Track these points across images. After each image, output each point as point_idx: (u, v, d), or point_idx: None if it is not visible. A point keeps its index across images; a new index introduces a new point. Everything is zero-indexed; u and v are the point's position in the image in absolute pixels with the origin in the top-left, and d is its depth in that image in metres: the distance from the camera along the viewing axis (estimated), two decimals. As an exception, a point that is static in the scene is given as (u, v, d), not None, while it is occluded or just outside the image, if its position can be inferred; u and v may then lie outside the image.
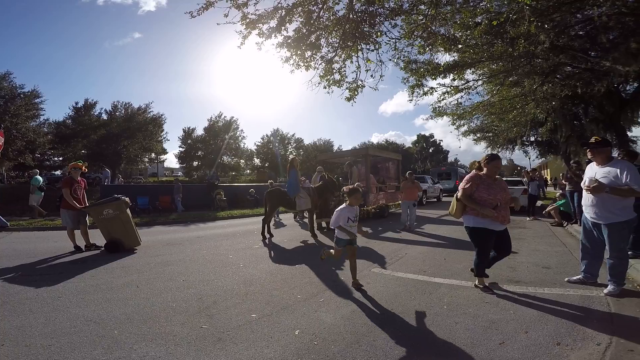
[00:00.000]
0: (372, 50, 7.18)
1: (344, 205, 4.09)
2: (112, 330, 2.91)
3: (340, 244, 4.05)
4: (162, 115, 37.01)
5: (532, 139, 20.80)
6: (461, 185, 3.91)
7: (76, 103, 33.98)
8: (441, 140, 68.35)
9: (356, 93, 7.71)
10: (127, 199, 6.71)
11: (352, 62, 7.39)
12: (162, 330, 2.90)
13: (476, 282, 3.95)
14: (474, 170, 3.98)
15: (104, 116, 34.51)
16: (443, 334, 2.78)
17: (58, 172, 33.92)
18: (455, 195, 4.08)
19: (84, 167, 6.91)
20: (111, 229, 6.40)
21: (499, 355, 2.42)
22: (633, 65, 6.73)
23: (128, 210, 6.75)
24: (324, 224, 8.94)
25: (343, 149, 54.39)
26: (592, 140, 3.71)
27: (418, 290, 3.94)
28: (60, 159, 34.57)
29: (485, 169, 3.84)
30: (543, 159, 26.64)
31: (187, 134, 42.00)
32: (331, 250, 4.30)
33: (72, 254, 6.25)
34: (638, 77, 9.04)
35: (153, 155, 40.45)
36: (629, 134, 12.83)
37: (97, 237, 6.77)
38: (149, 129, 34.96)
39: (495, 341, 2.63)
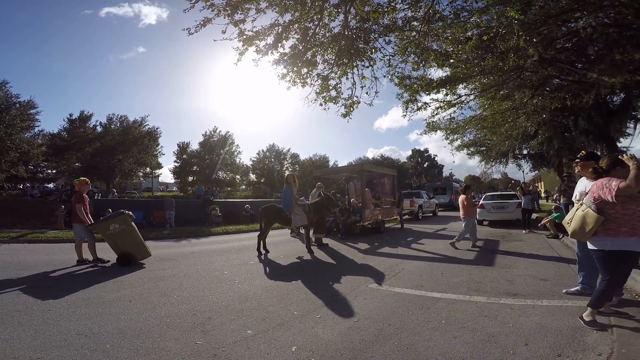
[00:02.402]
0: (367, 67, 7.31)
1: None
2: (103, 344, 2.83)
3: None
4: (157, 128, 37.01)
5: (525, 152, 21.06)
6: (608, 190, 2.89)
7: (70, 115, 33.88)
8: (435, 155, 69.01)
9: (352, 109, 7.80)
10: (130, 213, 6.76)
11: (347, 78, 7.52)
12: (156, 345, 2.83)
13: (585, 314, 3.15)
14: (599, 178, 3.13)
15: (99, 129, 34.41)
16: (442, 348, 2.74)
17: (51, 185, 33.57)
18: (584, 210, 3.09)
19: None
20: (120, 242, 6.45)
21: None
22: (618, 77, 6.86)
23: (133, 224, 6.77)
24: (324, 240, 8.90)
25: (339, 165, 54.84)
26: (579, 155, 3.75)
27: (416, 305, 3.89)
28: (54, 171, 34.26)
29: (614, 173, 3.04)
30: (536, 171, 26.91)
31: (182, 148, 42.01)
32: None
33: (73, 267, 6.20)
34: (624, 88, 9.22)
35: (148, 169, 40.24)
36: (618, 144, 13.02)
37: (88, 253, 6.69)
38: (144, 142, 34.85)
39: (495, 354, 2.59)
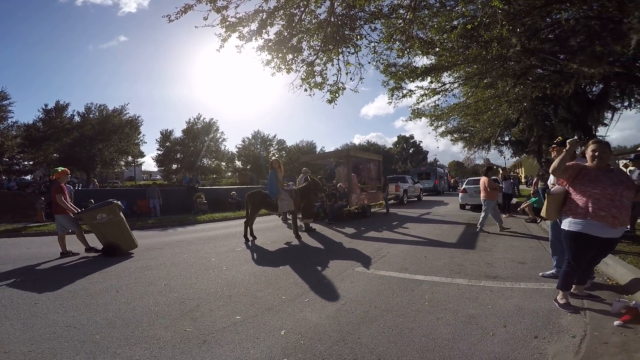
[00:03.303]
0: (353, 54, 7.28)
1: None
2: (93, 335, 2.84)
3: None
4: (138, 117, 36.11)
5: (507, 138, 21.58)
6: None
7: (45, 105, 32.73)
8: (421, 141, 69.80)
9: (337, 95, 7.80)
10: (119, 203, 6.60)
11: (332, 65, 7.49)
12: (145, 334, 2.86)
13: (558, 297, 3.27)
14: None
15: (77, 118, 33.36)
16: (425, 329, 2.85)
17: (28, 177, 32.55)
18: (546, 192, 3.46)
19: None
20: (106, 233, 6.31)
21: (480, 350, 2.49)
22: (598, 68, 7.05)
23: (121, 214, 6.63)
24: (312, 225, 8.98)
25: (326, 151, 54.72)
26: (555, 141, 3.89)
27: (400, 287, 4.01)
28: (31, 163, 33.18)
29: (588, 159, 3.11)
30: (517, 157, 27.69)
31: (165, 136, 41.16)
32: None
33: (57, 259, 6.09)
34: (603, 79, 9.51)
35: (130, 158, 39.34)
36: (596, 133, 13.47)
37: (74, 244, 6.59)
38: (125, 131, 34.04)
39: (476, 336, 2.71)
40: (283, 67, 7.08)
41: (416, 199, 20.53)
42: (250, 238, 7.72)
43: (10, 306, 3.59)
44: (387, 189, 13.85)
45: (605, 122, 13.24)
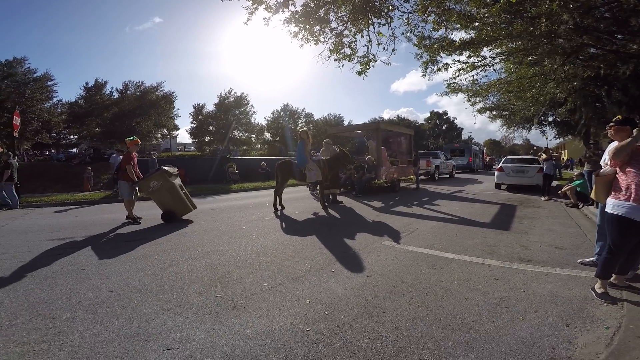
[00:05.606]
0: (384, 25, 6.98)
1: None
2: (132, 300, 3.00)
3: None
4: (173, 92, 37.40)
5: (550, 118, 20.20)
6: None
7: (87, 83, 34.60)
8: (455, 117, 66.91)
9: (367, 67, 7.60)
10: (169, 168, 6.72)
11: (362, 36, 7.24)
12: (179, 299, 3.01)
13: (596, 286, 3.09)
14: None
15: (115, 95, 34.97)
16: (453, 309, 2.80)
17: (74, 150, 35.05)
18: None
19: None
20: (162, 199, 6.61)
21: (507, 333, 2.41)
22: None
23: (177, 179, 6.79)
24: (339, 197, 8.98)
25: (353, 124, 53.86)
26: (615, 119, 3.53)
27: (429, 264, 3.95)
28: (76, 137, 35.62)
29: None
30: (561, 139, 25.95)
31: (198, 110, 42.13)
32: None
33: (120, 227, 6.32)
34: None
35: (165, 131, 40.97)
36: None
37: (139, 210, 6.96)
38: (161, 105, 35.47)
39: (505, 319, 2.62)
40: (311, 38, 6.94)
41: (448, 175, 19.90)
42: (279, 208, 7.88)
43: (60, 272, 3.80)
44: (418, 164, 13.47)
45: None
